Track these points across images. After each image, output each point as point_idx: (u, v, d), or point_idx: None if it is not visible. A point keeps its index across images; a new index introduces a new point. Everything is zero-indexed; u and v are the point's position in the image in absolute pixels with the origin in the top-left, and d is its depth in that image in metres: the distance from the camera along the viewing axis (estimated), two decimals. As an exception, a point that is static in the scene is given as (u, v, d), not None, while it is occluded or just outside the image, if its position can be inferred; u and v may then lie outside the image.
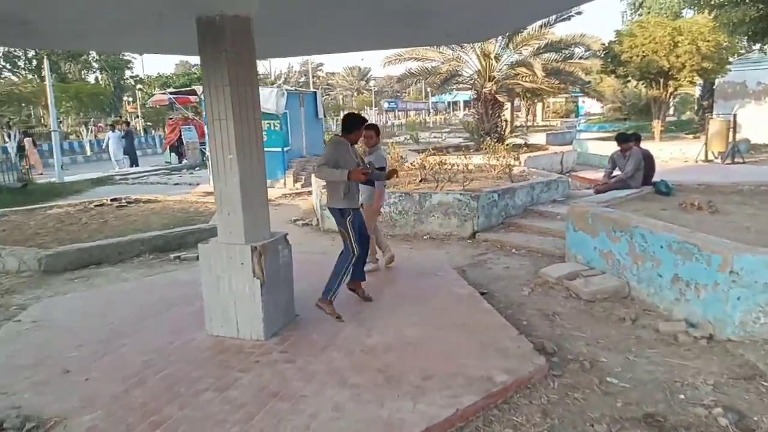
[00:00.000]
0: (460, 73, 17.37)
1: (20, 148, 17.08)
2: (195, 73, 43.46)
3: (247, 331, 4.37)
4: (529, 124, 34.48)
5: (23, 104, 26.25)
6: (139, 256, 7.49)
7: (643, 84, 22.69)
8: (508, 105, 19.76)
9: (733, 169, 13.19)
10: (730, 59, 19.28)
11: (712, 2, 17.78)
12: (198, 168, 19.43)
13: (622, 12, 40.26)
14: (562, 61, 17.51)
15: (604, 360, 4.08)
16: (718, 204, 6.43)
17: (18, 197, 12.90)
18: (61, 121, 33.36)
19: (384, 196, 6.45)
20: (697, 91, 27.65)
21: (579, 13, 16.56)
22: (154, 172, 18.81)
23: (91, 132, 28.91)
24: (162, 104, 23.57)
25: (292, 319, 4.76)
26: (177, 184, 15.77)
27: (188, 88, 18.39)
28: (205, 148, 17.95)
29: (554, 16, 16.50)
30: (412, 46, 6.48)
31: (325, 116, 19.69)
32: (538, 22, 15.65)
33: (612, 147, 8.80)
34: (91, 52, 33.46)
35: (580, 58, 18.21)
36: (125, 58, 39.59)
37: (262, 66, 50.70)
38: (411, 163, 11.00)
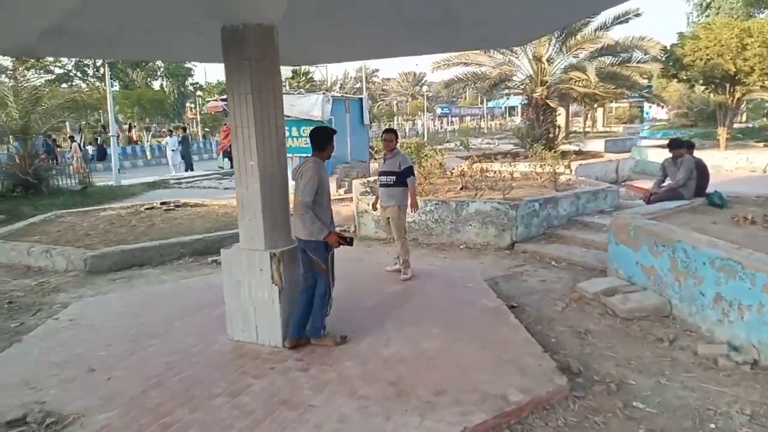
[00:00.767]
0: (510, 77, 17.03)
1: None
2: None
3: (265, 337, 4.39)
4: (587, 130, 33.43)
5: (89, 110, 27.88)
6: (179, 258, 7.72)
7: (707, 89, 21.47)
8: (562, 110, 19.17)
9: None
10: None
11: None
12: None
13: (687, 14, 38.33)
14: (618, 65, 16.83)
15: (633, 382, 3.83)
16: (776, 218, 5.95)
17: (77, 199, 13.65)
18: (127, 125, 35.22)
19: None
20: (769, 96, 25.91)
21: (638, 15, 15.91)
22: (207, 177, 19.46)
23: (152, 137, 30.28)
24: (216, 110, 24.34)
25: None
26: (227, 188, 16.23)
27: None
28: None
29: (611, 19, 15.96)
30: (446, 51, 6.42)
31: (371, 122, 19.77)
32: (594, 25, 15.18)
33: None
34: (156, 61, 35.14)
35: (639, 62, 17.44)
36: (186, 66, 41.27)
37: (319, 72, 51.52)
38: (451, 171, 10.83)
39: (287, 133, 13.49)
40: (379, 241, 8.36)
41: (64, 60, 33.40)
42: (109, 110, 18.03)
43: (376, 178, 7.18)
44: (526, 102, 17.09)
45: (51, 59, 32.46)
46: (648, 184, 8.30)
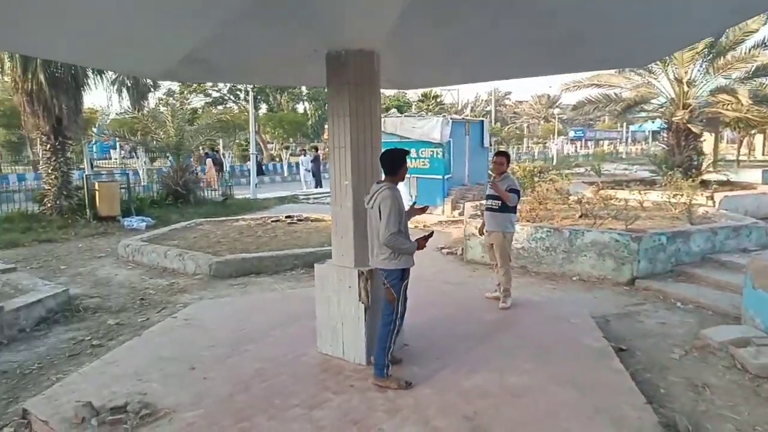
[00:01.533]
0: (647, 100, 15.76)
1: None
2: (383, 104, 46.36)
3: (351, 354, 4.44)
4: (743, 158, 29.80)
5: (237, 130, 30.80)
6: (292, 269, 8.14)
7: None
8: (708, 136, 17.30)
9: None
10: None
11: None
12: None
13: None
14: (779, 86, 14.81)
15: (754, 453, 3.27)
16: None
17: (218, 209, 15.04)
18: (271, 144, 38.24)
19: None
20: None
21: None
22: (332, 194, 20.36)
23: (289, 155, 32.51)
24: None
25: (400, 347, 4.71)
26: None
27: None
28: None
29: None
30: (558, 73, 6.10)
31: (491, 145, 19.36)
32: (749, 43, 13.55)
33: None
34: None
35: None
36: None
37: (450, 96, 51.95)
38: (567, 196, 10.25)
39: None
40: (485, 266, 8.10)
41: (220, 85, 37.35)
42: (251, 130, 19.74)
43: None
44: (666, 126, 15.66)
45: (209, 84, 36.53)
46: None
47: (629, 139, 63.23)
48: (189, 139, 16.16)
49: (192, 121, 16.23)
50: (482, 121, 15.73)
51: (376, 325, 4.33)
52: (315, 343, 4.74)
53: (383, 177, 4.09)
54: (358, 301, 4.32)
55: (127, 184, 14.03)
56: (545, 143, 55.14)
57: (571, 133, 57.87)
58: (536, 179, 11.64)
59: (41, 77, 11.81)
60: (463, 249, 8.88)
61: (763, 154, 38.00)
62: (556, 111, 52.65)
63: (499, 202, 5.89)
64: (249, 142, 21.65)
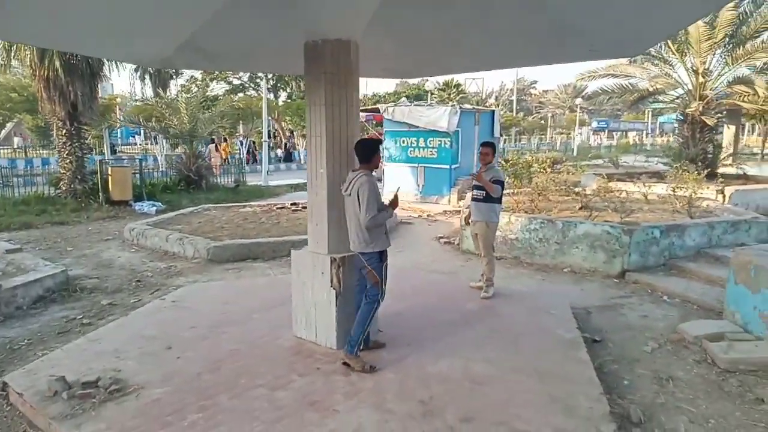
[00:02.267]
0: (663, 91, 15.44)
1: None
2: (402, 93, 46.13)
3: (323, 338, 4.56)
4: (767, 152, 28.97)
5: (255, 117, 31.06)
6: (288, 255, 8.21)
7: None
8: (727, 128, 16.89)
9: None
10: None
11: None
12: (380, 179, 20.64)
13: None
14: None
15: (701, 447, 3.29)
16: None
17: (229, 195, 15.30)
18: (289, 132, 38.44)
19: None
20: None
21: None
22: (344, 181, 20.48)
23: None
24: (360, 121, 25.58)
25: (374, 333, 4.80)
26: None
27: (374, 107, 19.68)
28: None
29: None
30: (548, 64, 6.02)
31: (501, 135, 19.20)
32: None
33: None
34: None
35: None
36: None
37: (475, 84, 51.30)
38: (564, 187, 10.18)
39: (414, 144, 13.75)
40: (478, 256, 8.13)
41: (241, 72, 37.64)
42: (263, 118, 19.95)
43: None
44: (681, 118, 15.33)
45: (230, 72, 36.84)
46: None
47: (657, 131, 61.84)
48: (202, 126, 16.41)
49: (210, 108, 16.41)
50: (493, 111, 15.61)
51: (348, 311, 4.45)
52: (291, 327, 4.87)
53: (358, 165, 4.24)
54: (330, 287, 4.43)
55: (139, 169, 14.36)
56: (568, 134, 54.32)
57: (594, 124, 56.81)
58: (533, 170, 11.51)
59: (57, 64, 12.13)
60: (459, 239, 8.91)
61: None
62: (578, 101, 51.68)
63: (484, 192, 5.92)
64: (269, 130, 21.96)
